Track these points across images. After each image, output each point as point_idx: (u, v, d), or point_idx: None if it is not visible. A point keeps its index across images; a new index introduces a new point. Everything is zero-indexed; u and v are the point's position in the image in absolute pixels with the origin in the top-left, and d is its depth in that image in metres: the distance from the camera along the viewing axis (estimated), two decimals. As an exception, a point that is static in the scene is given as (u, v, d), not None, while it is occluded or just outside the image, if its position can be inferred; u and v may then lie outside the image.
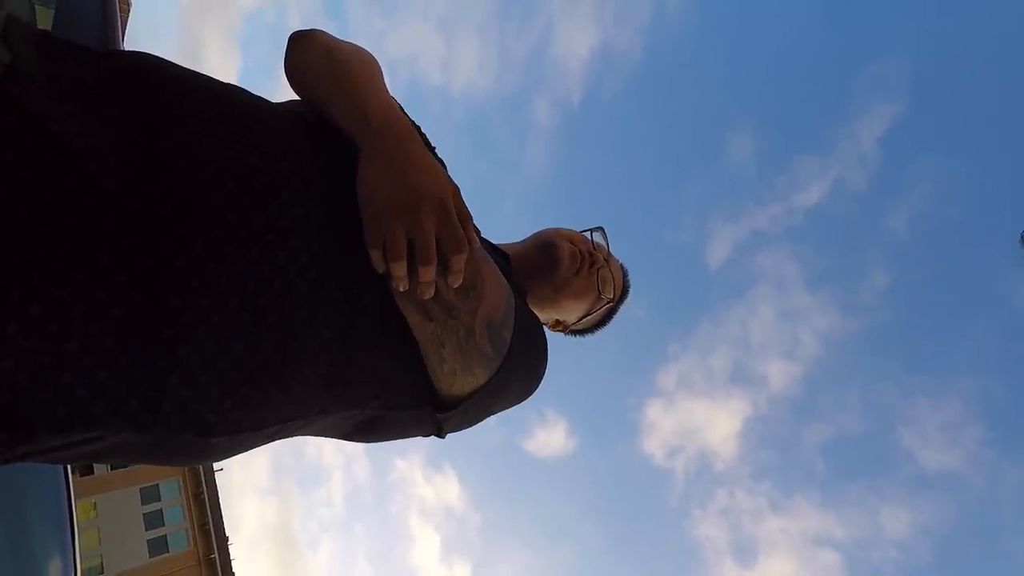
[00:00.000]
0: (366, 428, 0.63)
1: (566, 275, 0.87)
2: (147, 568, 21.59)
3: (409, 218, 0.52)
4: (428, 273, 0.52)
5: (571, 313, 0.93)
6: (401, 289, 0.53)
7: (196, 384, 0.46)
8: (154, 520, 22.52)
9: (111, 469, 22.00)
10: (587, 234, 0.96)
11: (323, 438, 0.67)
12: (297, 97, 0.66)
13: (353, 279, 0.54)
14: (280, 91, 0.67)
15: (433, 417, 0.63)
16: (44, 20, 1.92)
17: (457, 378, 0.62)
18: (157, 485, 23.03)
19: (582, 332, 1.03)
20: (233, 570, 23.59)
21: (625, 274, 1.01)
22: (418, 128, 0.66)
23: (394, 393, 0.60)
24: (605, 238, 0.95)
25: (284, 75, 0.67)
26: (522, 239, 0.93)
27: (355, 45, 0.67)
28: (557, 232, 0.92)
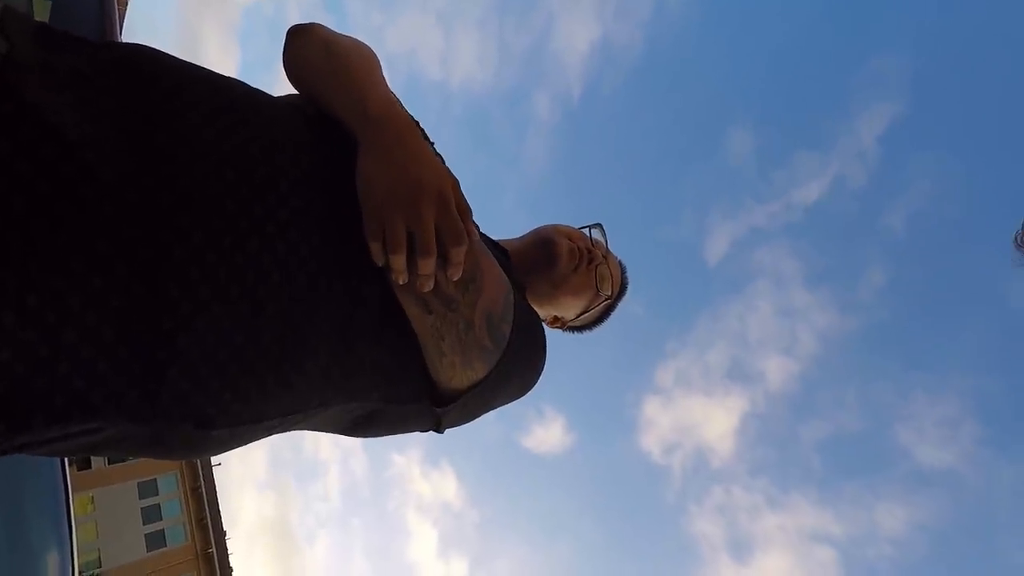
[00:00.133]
0: (365, 422, 0.63)
1: (564, 272, 0.87)
2: (145, 562, 21.63)
3: (409, 210, 0.52)
4: (428, 265, 0.53)
5: (569, 310, 0.94)
6: (400, 282, 0.54)
7: (196, 376, 0.46)
8: (152, 514, 22.55)
9: (109, 463, 22.01)
10: (586, 231, 0.96)
11: (321, 433, 0.67)
12: (295, 91, 0.66)
13: (353, 271, 0.54)
14: (279, 85, 0.67)
15: (432, 411, 0.63)
16: (42, 12, 1.91)
17: (456, 372, 0.62)
18: (155, 479, 23.06)
19: (580, 329, 1.03)
20: (231, 564, 23.67)
21: (623, 271, 1.02)
22: (416, 123, 0.66)
23: (393, 386, 0.60)
24: (603, 235, 0.95)
25: (283, 69, 0.67)
26: (521, 235, 0.93)
27: (354, 39, 0.67)
28: (555, 228, 0.92)
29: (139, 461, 22.31)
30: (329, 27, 0.67)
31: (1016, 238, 1.07)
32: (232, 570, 23.65)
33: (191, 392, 0.47)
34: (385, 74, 0.66)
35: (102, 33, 2.13)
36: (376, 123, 0.56)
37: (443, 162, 0.64)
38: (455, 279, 0.56)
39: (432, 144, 0.68)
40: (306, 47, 0.64)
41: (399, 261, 0.52)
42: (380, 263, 0.53)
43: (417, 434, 0.70)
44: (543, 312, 0.93)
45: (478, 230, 0.70)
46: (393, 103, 0.59)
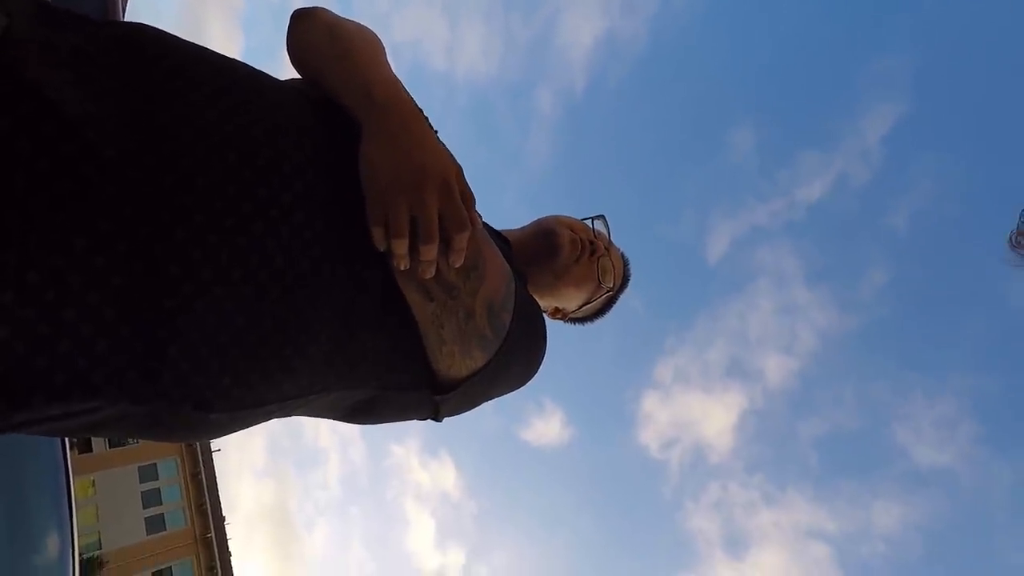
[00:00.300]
0: (364, 409, 0.63)
1: (566, 262, 0.87)
2: (144, 545, 21.80)
3: (412, 196, 0.51)
4: (430, 252, 0.52)
5: (571, 301, 0.93)
6: (402, 267, 0.53)
7: (196, 357, 0.46)
8: (152, 498, 22.70)
9: (110, 447, 22.13)
10: (588, 222, 0.95)
11: (320, 420, 0.68)
12: (299, 76, 0.65)
13: (356, 256, 0.54)
14: (282, 72, 0.66)
15: (431, 399, 0.63)
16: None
17: (456, 360, 0.62)
18: (155, 464, 23.18)
19: (581, 320, 1.03)
20: (229, 549, 23.84)
21: (626, 263, 1.01)
22: (420, 110, 0.66)
23: (393, 373, 0.60)
24: (606, 226, 0.95)
25: (286, 54, 0.66)
26: (523, 226, 0.93)
27: (358, 23, 0.66)
28: (558, 219, 0.92)
29: (140, 445, 22.44)
30: (333, 11, 0.66)
31: (1011, 238, 1.06)
32: (231, 555, 23.85)
33: (191, 373, 0.47)
34: (390, 62, 0.65)
35: (104, 13, 2.11)
36: (381, 108, 0.55)
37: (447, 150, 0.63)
38: (457, 266, 0.56)
39: (436, 132, 0.68)
40: (310, 31, 0.63)
41: (401, 246, 0.52)
42: (382, 248, 0.53)
43: (416, 423, 0.70)
44: (544, 303, 0.92)
45: (481, 219, 0.69)
46: (398, 87, 0.59)
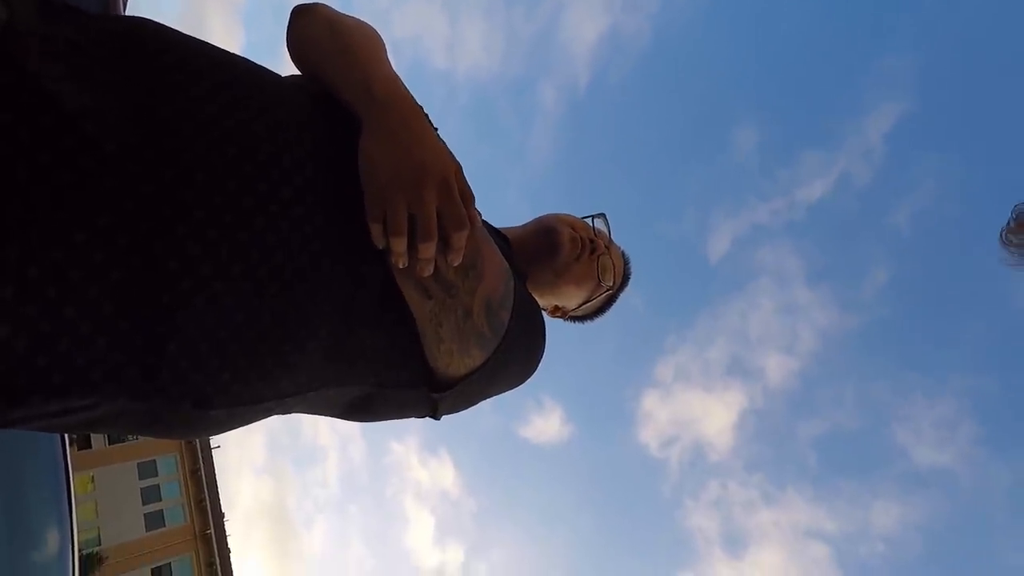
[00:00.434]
0: (361, 406, 0.63)
1: (566, 261, 0.87)
2: (143, 541, 21.85)
3: (411, 193, 0.51)
4: (428, 250, 0.52)
5: (571, 299, 0.93)
6: (400, 265, 0.53)
7: (195, 353, 0.46)
8: (151, 495, 22.74)
9: (109, 443, 22.17)
10: (589, 220, 0.95)
11: (319, 417, 0.68)
12: (299, 71, 0.65)
13: (355, 252, 0.54)
14: (283, 68, 0.66)
15: (428, 397, 0.63)
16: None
17: (454, 359, 0.62)
18: (154, 460, 23.22)
19: (581, 319, 1.02)
20: (229, 546, 23.89)
21: (627, 261, 1.01)
22: (420, 107, 0.65)
23: (391, 371, 0.60)
24: (607, 225, 0.95)
25: (287, 50, 0.66)
26: (523, 223, 0.93)
27: (358, 19, 0.66)
28: (558, 217, 0.91)
29: (139, 442, 22.47)
30: (333, 7, 0.66)
31: (1003, 235, 1.05)
32: (230, 552, 23.90)
33: (190, 370, 0.47)
34: (390, 58, 0.65)
35: (105, 7, 2.11)
36: (381, 104, 0.55)
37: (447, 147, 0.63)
38: (455, 265, 0.56)
39: (436, 130, 0.67)
40: (310, 26, 0.63)
41: (399, 244, 0.52)
42: (381, 246, 0.53)
43: (415, 421, 0.70)
44: (544, 301, 0.92)
45: (480, 217, 0.69)
46: (398, 83, 0.59)
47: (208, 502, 23.32)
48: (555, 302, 0.94)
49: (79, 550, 1.94)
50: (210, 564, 22.95)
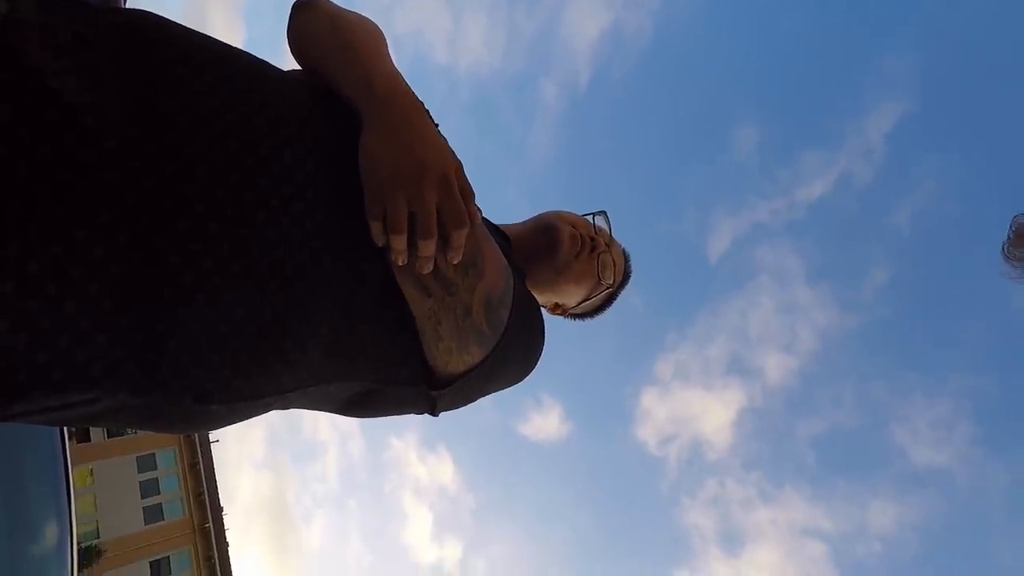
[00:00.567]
0: (361, 402, 0.63)
1: (566, 258, 0.87)
2: (142, 535, 21.89)
3: (411, 190, 0.51)
4: (428, 247, 0.52)
5: (571, 297, 0.93)
6: (400, 263, 0.53)
7: (196, 349, 0.46)
8: (150, 488, 22.78)
9: (108, 436, 22.18)
10: (589, 218, 0.95)
11: (319, 412, 0.68)
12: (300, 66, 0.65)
13: (356, 248, 0.53)
14: (284, 64, 0.66)
15: (427, 395, 0.63)
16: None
17: (453, 356, 0.62)
18: (153, 454, 23.25)
19: (581, 316, 1.02)
20: (227, 540, 23.93)
21: (627, 259, 1.01)
22: (421, 104, 0.65)
23: (391, 368, 0.60)
24: (608, 222, 0.94)
25: (287, 45, 0.66)
26: (523, 221, 0.93)
27: (359, 14, 0.66)
28: (558, 215, 0.91)
29: (138, 435, 22.49)
30: (334, 2, 0.66)
31: (1004, 249, 1.05)
32: (228, 546, 23.94)
33: (191, 365, 0.46)
34: (391, 54, 0.65)
35: (107, 0, 2.11)
36: (382, 101, 0.55)
37: (447, 144, 0.63)
38: (455, 263, 0.56)
39: (437, 126, 0.67)
40: (311, 21, 0.63)
41: (399, 242, 0.51)
42: (380, 243, 0.53)
43: (415, 417, 0.70)
44: (544, 299, 0.92)
45: (480, 214, 0.69)
46: (399, 79, 0.58)
47: (207, 496, 23.36)
48: (555, 299, 0.94)
49: (78, 543, 1.94)
50: (208, 558, 23.00)
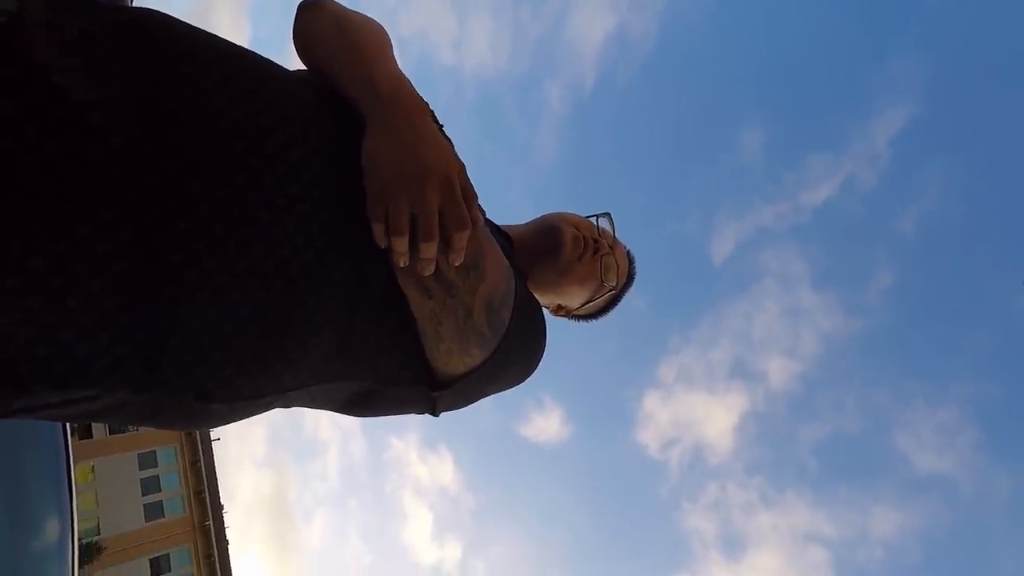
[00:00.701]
0: (361, 402, 0.63)
1: (569, 260, 0.86)
2: (143, 532, 21.93)
3: (413, 192, 0.51)
4: (429, 249, 0.52)
5: (574, 299, 0.93)
6: (401, 264, 0.53)
7: (198, 347, 0.46)
8: (151, 485, 22.83)
9: (110, 433, 22.23)
10: (593, 219, 0.95)
11: (320, 411, 0.68)
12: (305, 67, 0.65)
13: (359, 249, 0.54)
14: (289, 63, 0.66)
15: (428, 395, 0.63)
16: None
17: (454, 358, 0.62)
18: (154, 451, 23.29)
19: (584, 318, 1.02)
20: (227, 538, 23.96)
21: (631, 261, 1.01)
22: (426, 105, 0.65)
23: (392, 368, 0.60)
24: (611, 224, 0.94)
25: (293, 45, 0.66)
26: (527, 222, 0.93)
27: (365, 15, 0.66)
28: (562, 216, 0.91)
29: (140, 432, 22.54)
30: (340, 3, 0.66)
31: None
32: (228, 543, 23.97)
33: (193, 363, 0.47)
34: (396, 56, 0.65)
35: None
36: (386, 102, 0.55)
37: (452, 146, 0.63)
38: (456, 265, 0.56)
39: (441, 127, 0.67)
40: (316, 22, 0.63)
41: (401, 244, 0.51)
42: (382, 245, 0.53)
43: (415, 417, 0.70)
44: (547, 300, 0.92)
45: (483, 215, 0.69)
46: (404, 81, 0.58)
47: (207, 494, 23.40)
48: (558, 301, 0.93)
49: (79, 540, 1.95)
50: (208, 556, 23.03)
